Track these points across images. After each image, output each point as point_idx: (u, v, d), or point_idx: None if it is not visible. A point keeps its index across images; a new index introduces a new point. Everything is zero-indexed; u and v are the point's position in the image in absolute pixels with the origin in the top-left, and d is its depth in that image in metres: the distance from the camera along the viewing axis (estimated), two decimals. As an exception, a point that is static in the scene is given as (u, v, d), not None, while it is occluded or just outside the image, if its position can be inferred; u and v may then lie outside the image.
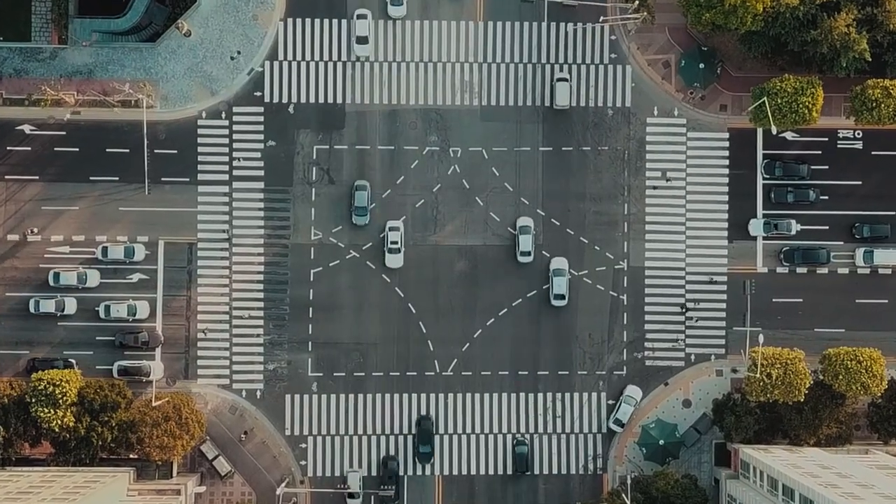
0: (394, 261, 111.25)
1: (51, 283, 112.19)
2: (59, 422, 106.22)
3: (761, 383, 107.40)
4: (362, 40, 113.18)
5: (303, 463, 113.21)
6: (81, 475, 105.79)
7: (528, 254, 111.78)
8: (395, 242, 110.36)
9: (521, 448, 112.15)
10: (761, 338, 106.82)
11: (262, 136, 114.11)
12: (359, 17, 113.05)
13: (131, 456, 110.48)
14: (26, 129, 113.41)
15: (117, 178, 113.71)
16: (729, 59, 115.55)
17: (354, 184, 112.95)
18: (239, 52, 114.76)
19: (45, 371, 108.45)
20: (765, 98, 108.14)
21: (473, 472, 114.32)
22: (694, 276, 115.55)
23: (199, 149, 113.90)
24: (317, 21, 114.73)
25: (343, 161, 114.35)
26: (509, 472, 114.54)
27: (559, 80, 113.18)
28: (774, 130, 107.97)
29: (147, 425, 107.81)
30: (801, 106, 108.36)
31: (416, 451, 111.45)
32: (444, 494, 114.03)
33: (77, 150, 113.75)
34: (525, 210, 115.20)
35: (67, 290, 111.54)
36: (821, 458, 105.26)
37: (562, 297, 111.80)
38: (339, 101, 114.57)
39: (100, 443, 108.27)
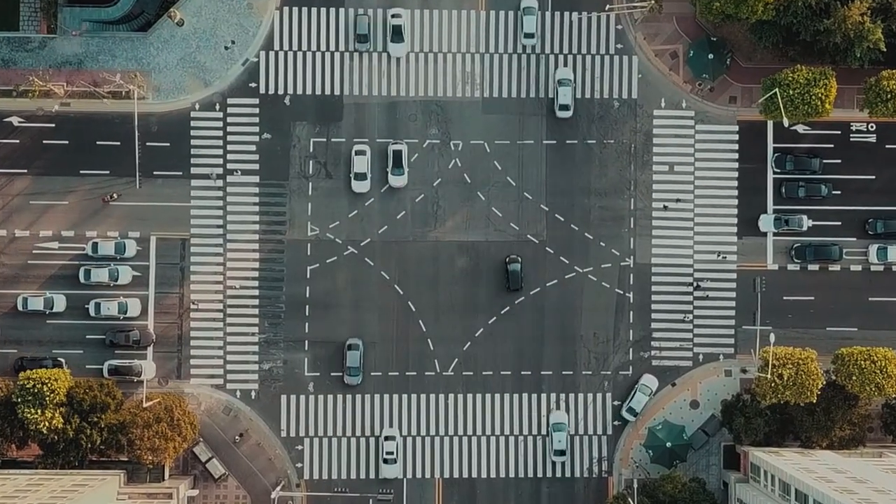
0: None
1: (82, 280, 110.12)
2: (47, 423, 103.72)
3: (772, 384, 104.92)
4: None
5: (299, 465, 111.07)
6: (70, 478, 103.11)
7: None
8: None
9: (514, 265, 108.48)
10: (772, 337, 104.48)
11: (257, 129, 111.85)
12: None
13: (122, 458, 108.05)
14: (14, 121, 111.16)
15: (108, 172, 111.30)
16: (739, 50, 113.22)
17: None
18: (233, 42, 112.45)
19: (33, 370, 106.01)
20: (776, 89, 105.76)
21: (474, 475, 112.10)
22: (701, 274, 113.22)
23: (193, 141, 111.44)
24: (314, 10, 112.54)
25: (341, 154, 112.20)
26: (511, 473, 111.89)
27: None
28: (786, 123, 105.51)
29: (138, 427, 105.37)
30: (813, 97, 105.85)
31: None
32: (443, 498, 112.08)
33: (66, 142, 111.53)
34: (528, 206, 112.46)
35: (98, 286, 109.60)
36: (834, 462, 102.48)
37: (562, 452, 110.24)
38: (337, 92, 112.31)
39: (89, 445, 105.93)
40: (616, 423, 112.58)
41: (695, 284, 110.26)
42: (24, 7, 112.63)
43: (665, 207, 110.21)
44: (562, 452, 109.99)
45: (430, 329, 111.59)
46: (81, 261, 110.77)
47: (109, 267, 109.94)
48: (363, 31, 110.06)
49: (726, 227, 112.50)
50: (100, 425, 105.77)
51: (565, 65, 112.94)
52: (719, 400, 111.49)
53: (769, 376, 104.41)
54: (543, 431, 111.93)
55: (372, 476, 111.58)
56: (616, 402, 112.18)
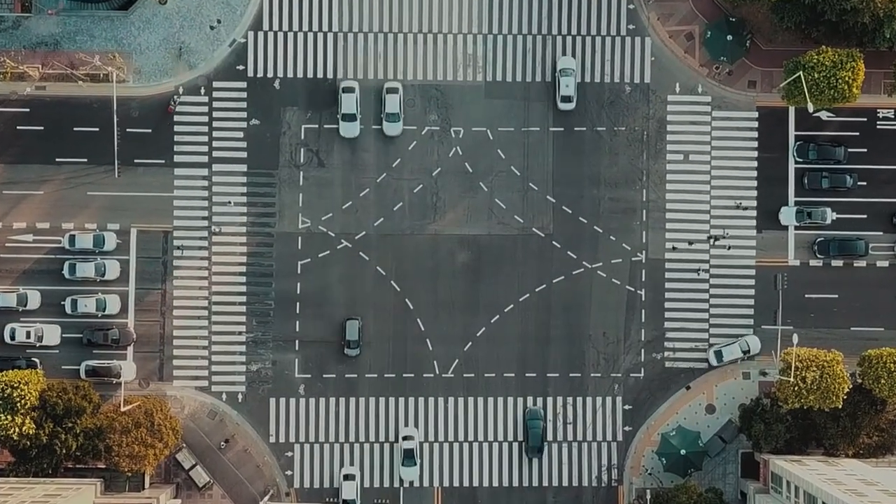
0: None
1: (66, 275, 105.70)
2: (18, 429, 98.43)
3: (795, 388, 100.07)
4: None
5: (288, 473, 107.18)
6: (42, 488, 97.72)
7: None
8: (395, 111, 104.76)
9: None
10: (795, 337, 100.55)
11: (244, 115, 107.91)
12: None
13: (99, 465, 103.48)
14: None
15: (86, 160, 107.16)
16: (759, 31, 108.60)
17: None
18: (219, 22, 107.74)
19: (4, 372, 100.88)
20: (800, 73, 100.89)
21: (476, 483, 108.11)
22: (718, 270, 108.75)
23: (176, 128, 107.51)
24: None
25: (334, 142, 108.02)
26: (515, 482, 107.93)
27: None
28: (811, 108, 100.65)
29: (116, 432, 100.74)
30: (840, 81, 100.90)
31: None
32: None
33: (41, 128, 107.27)
34: (533, 197, 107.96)
35: (84, 282, 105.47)
36: (862, 472, 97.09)
37: (569, 98, 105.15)
38: (330, 76, 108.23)
39: (63, 451, 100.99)
40: (627, 428, 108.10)
41: (713, 238, 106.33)
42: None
43: (742, 207, 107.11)
44: (568, 99, 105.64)
45: (428, 328, 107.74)
46: (58, 254, 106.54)
47: (96, 261, 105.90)
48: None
49: (745, 220, 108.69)
50: (75, 430, 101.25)
51: (571, 50, 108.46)
52: (737, 404, 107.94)
53: (792, 380, 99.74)
54: (550, 437, 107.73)
55: (367, 485, 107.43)
56: (626, 407, 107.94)
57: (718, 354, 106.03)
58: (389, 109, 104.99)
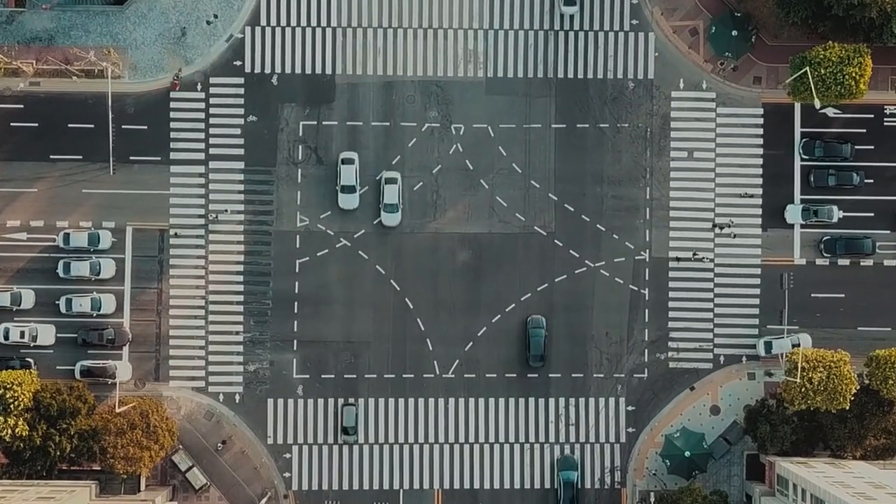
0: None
1: (61, 274, 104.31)
2: (11, 430, 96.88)
3: (802, 389, 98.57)
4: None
5: (287, 475, 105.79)
6: (36, 490, 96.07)
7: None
8: (394, 202, 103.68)
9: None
10: (804, 338, 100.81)
11: (242, 111, 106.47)
12: None
13: (94, 467, 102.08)
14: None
15: (81, 157, 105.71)
16: (764, 26, 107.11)
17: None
18: (216, 17, 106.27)
19: None
20: (807, 68, 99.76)
21: (477, 485, 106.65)
22: (723, 269, 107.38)
23: (172, 124, 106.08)
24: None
25: (332, 139, 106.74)
26: (516, 484, 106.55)
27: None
28: (818, 104, 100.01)
29: (111, 434, 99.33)
30: (847, 77, 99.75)
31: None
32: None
33: (35, 125, 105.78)
34: (535, 195, 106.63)
35: (79, 281, 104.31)
36: (871, 475, 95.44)
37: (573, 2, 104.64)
38: (329, 71, 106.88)
39: (58, 453, 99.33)
40: (630, 429, 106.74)
41: (718, 227, 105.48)
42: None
43: (749, 195, 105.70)
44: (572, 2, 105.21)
45: (428, 328, 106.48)
46: (52, 253, 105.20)
47: (91, 260, 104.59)
48: None
49: (750, 219, 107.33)
50: (69, 432, 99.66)
51: (574, 45, 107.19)
52: (742, 405, 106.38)
53: (798, 380, 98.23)
54: (552, 439, 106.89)
55: (366, 487, 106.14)
56: (630, 408, 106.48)
57: (768, 345, 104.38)
58: (388, 200, 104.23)
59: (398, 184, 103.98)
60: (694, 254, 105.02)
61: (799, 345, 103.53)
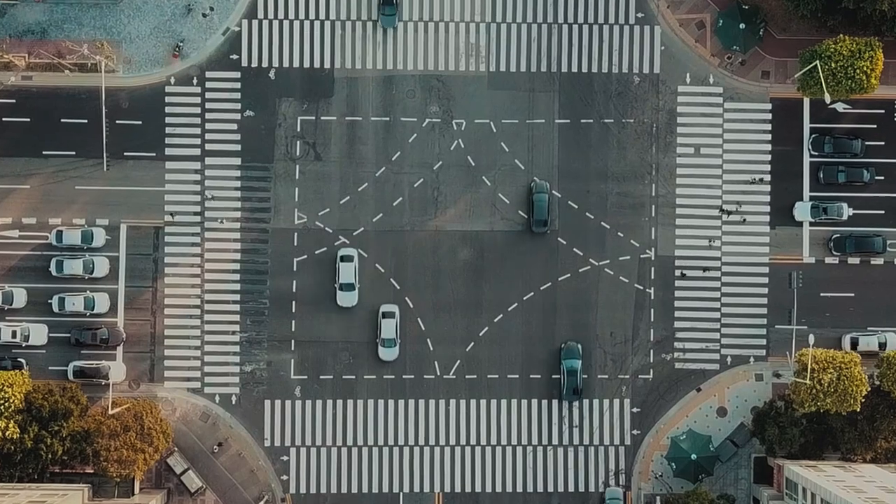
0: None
1: (53, 272, 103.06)
2: (1, 433, 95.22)
3: (811, 391, 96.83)
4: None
5: (284, 478, 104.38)
6: (27, 494, 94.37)
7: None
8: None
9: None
10: (811, 338, 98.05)
11: (238, 106, 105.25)
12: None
13: (87, 470, 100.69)
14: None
15: (74, 153, 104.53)
16: (773, 20, 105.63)
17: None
18: (212, 9, 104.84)
19: None
20: (817, 62, 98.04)
21: (478, 489, 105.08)
22: (730, 268, 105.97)
23: (167, 119, 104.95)
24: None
25: (331, 134, 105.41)
26: (518, 487, 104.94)
27: None
28: (828, 99, 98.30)
29: (104, 436, 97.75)
30: (858, 71, 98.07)
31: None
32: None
33: (28, 120, 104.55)
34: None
35: (72, 279, 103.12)
36: (882, 478, 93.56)
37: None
38: (327, 65, 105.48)
39: (49, 456, 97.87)
40: (635, 432, 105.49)
41: (725, 212, 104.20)
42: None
43: (760, 180, 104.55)
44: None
45: (429, 328, 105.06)
46: (44, 251, 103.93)
47: (84, 258, 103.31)
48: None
49: (758, 216, 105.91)
50: (61, 434, 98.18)
51: (578, 39, 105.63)
52: (749, 407, 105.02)
53: (808, 382, 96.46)
54: (556, 441, 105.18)
55: (365, 490, 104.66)
56: (635, 409, 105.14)
57: (854, 342, 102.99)
58: (385, 335, 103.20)
59: (395, 318, 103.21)
60: (704, 270, 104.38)
61: (885, 343, 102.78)
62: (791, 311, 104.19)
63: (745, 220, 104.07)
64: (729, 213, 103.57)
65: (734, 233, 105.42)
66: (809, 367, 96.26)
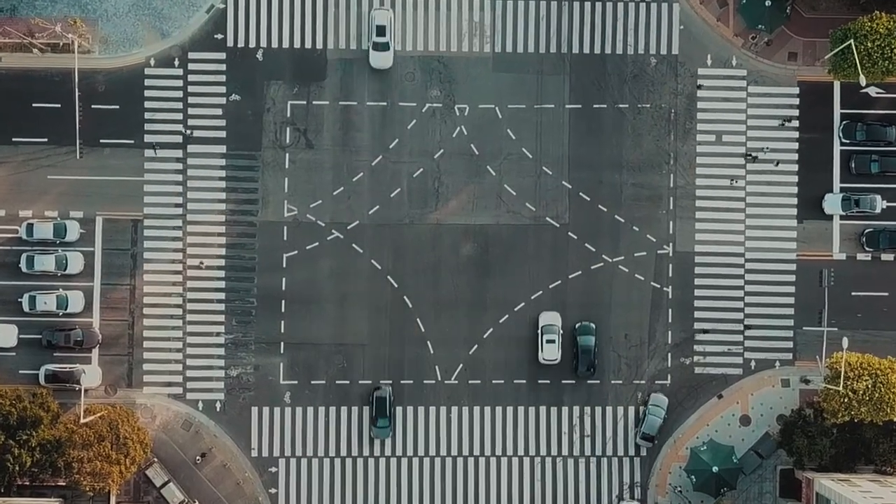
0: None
1: (24, 268, 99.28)
2: None
3: (844, 399, 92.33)
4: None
5: (272, 491, 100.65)
6: None
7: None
8: (383, 35, 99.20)
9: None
10: (845, 341, 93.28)
11: (224, 89, 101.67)
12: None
13: (59, 483, 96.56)
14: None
15: (46, 140, 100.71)
16: None
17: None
18: None
19: None
20: (850, 41, 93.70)
21: (482, 500, 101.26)
22: (754, 265, 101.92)
23: (147, 104, 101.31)
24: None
25: (324, 120, 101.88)
26: (526, 501, 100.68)
27: None
28: (863, 81, 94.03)
29: (76, 447, 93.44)
30: (895, 52, 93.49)
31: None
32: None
33: None
34: (547, 183, 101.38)
35: (44, 276, 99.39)
36: None
37: None
38: (320, 46, 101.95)
39: (17, 468, 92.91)
40: (642, 456, 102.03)
41: (751, 156, 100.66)
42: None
43: (788, 121, 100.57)
44: None
45: (429, 329, 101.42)
46: (13, 245, 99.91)
47: (57, 253, 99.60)
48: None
49: (784, 209, 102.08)
50: (30, 444, 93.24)
51: (591, 17, 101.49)
52: (775, 415, 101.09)
53: (841, 389, 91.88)
54: (566, 451, 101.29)
55: (360, 502, 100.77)
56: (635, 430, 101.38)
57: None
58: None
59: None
60: (753, 157, 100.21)
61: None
62: (822, 311, 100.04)
63: (777, 163, 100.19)
64: (755, 157, 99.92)
65: (759, 227, 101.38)
66: (843, 373, 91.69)
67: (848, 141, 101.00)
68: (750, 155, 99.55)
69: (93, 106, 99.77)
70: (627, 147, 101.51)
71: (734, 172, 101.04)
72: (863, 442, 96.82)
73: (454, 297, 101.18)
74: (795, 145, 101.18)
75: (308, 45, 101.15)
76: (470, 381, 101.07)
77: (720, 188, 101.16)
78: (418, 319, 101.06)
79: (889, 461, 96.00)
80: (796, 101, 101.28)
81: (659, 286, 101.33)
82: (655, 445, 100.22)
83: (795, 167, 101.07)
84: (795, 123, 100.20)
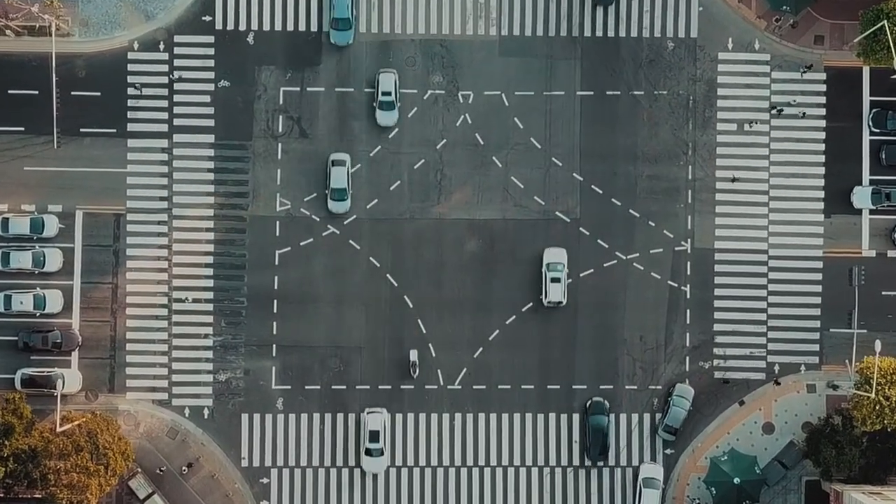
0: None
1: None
2: None
3: (876, 406, 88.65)
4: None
5: (264, 503, 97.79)
6: None
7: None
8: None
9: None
10: (878, 344, 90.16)
11: (212, 75, 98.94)
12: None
13: (35, 495, 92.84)
14: None
15: (22, 129, 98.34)
16: None
17: (330, 157, 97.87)
18: None
19: None
20: (884, 22, 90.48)
21: None
22: (778, 262, 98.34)
23: (130, 90, 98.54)
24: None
25: (318, 108, 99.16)
26: None
27: None
28: None
29: (52, 457, 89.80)
30: None
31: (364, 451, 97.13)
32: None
33: None
34: (557, 175, 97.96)
35: (21, 274, 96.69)
36: None
37: None
38: (314, 28, 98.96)
39: None
40: (669, 451, 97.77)
41: (778, 108, 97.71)
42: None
43: (809, 68, 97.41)
44: None
45: (431, 331, 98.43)
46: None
47: (34, 250, 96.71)
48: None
49: (810, 203, 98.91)
50: (3, 453, 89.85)
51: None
52: (800, 423, 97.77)
53: (873, 396, 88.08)
54: (577, 461, 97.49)
55: None
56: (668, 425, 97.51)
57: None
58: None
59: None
60: (779, 110, 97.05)
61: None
62: (851, 312, 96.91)
63: (804, 113, 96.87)
64: (781, 109, 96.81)
65: (784, 221, 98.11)
66: (875, 379, 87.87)
67: (878, 130, 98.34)
68: (776, 108, 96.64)
69: (72, 93, 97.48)
70: (643, 136, 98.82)
71: (757, 164, 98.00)
72: (894, 452, 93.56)
73: (458, 296, 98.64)
74: (822, 135, 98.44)
75: (302, 27, 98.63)
76: (474, 387, 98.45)
77: (742, 180, 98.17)
78: (419, 320, 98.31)
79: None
80: (823, 87, 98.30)
81: (676, 285, 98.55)
82: (676, 450, 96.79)
83: (822, 158, 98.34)
84: (793, 111, 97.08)
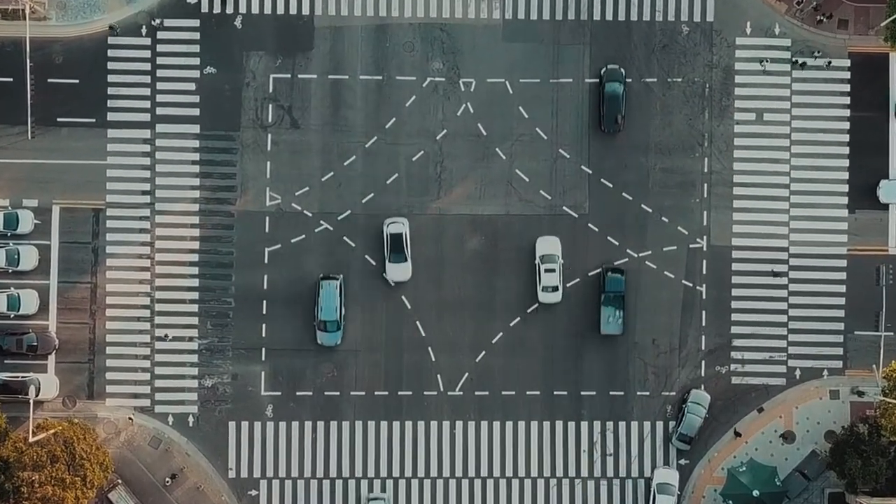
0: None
1: None
2: None
3: None
4: None
5: None
6: None
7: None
8: (400, 248, 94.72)
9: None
10: None
11: (197, 61, 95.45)
12: None
13: None
14: None
15: None
16: None
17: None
18: None
19: None
20: None
21: None
22: (800, 261, 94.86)
23: (110, 77, 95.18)
24: None
25: (311, 96, 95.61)
26: None
27: None
28: None
29: (25, 468, 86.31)
30: None
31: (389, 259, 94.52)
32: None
33: None
34: (564, 167, 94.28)
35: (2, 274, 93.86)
36: None
37: None
38: (306, 11, 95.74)
39: None
40: (683, 461, 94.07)
41: (799, 62, 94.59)
42: None
43: (828, 17, 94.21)
44: None
45: (431, 334, 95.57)
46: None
47: (7, 247, 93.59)
48: None
49: (834, 198, 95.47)
50: None
51: None
52: (823, 431, 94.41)
53: None
54: (585, 472, 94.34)
55: None
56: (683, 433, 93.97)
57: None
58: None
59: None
60: (773, 272, 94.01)
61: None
62: (878, 313, 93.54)
63: (829, 63, 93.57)
64: (803, 64, 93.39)
65: (805, 217, 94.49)
66: None
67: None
68: (797, 61, 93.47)
69: (49, 80, 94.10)
70: (655, 127, 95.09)
71: (777, 156, 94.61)
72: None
73: (459, 297, 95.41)
74: (846, 125, 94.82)
75: (293, 10, 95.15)
76: (476, 393, 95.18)
77: (761, 174, 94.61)
78: (418, 322, 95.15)
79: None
80: (847, 74, 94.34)
81: (691, 285, 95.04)
82: (691, 460, 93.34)
83: (846, 150, 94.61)
84: (819, 62, 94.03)
